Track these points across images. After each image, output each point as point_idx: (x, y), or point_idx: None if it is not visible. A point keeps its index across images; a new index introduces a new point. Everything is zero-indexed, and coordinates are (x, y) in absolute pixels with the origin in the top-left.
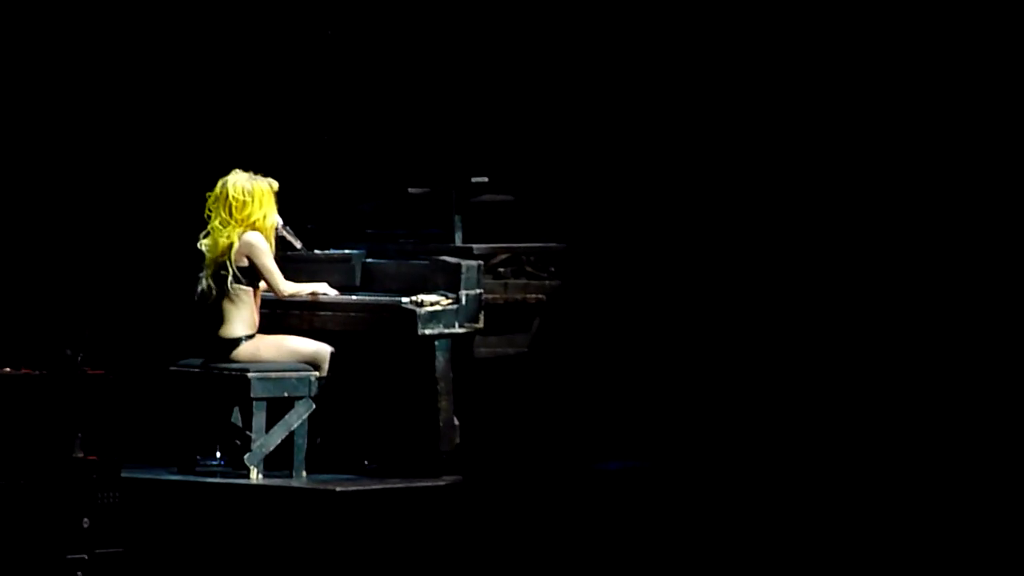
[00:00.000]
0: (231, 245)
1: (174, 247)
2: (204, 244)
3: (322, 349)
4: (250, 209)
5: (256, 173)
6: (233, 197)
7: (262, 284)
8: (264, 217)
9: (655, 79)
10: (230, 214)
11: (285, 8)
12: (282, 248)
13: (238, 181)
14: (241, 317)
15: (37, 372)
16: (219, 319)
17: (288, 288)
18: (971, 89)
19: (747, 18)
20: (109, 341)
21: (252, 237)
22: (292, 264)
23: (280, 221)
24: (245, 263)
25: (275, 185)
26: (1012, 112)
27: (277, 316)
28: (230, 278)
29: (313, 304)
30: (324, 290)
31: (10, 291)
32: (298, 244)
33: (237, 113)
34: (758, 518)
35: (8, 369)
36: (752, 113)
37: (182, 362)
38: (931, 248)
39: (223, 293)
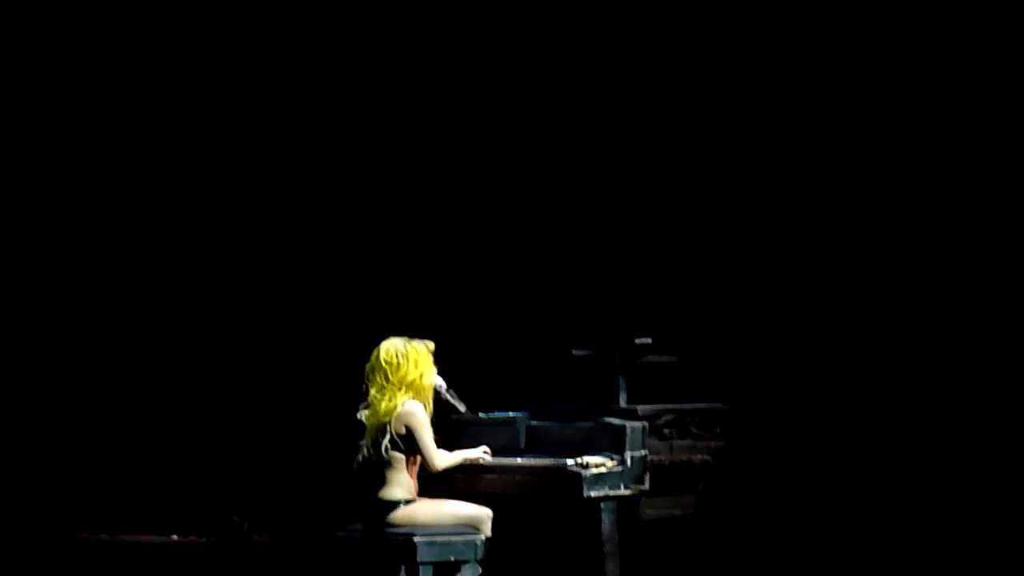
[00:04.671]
0: (392, 409)
1: (335, 416)
2: (364, 414)
3: (479, 512)
4: (405, 369)
5: (412, 338)
6: (386, 361)
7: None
8: (421, 376)
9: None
10: (386, 378)
11: (441, 173)
12: (446, 411)
13: (391, 345)
14: (399, 481)
15: (204, 539)
16: (379, 483)
17: (441, 464)
18: None
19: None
20: (275, 507)
21: (413, 407)
22: (456, 427)
23: (444, 384)
24: (404, 431)
25: (431, 346)
26: None
27: (443, 478)
28: (386, 443)
29: (478, 467)
30: (478, 455)
31: (178, 459)
32: (462, 407)
33: (398, 281)
34: None
35: (176, 536)
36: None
37: (348, 527)
38: None
39: (382, 459)
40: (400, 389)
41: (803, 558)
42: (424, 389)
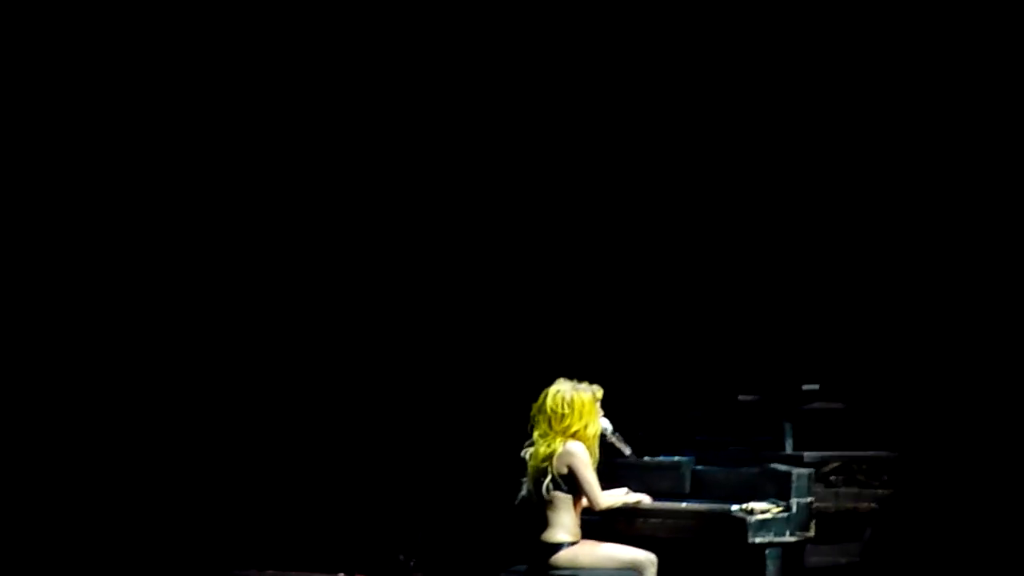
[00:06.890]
0: (552, 453)
1: (499, 456)
2: (527, 453)
3: (643, 556)
4: (569, 420)
5: (582, 381)
6: (552, 409)
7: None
8: (585, 427)
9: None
10: (550, 425)
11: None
12: (612, 455)
13: (560, 392)
14: (562, 523)
15: None
16: (542, 525)
17: (605, 501)
18: None
19: None
20: (440, 546)
21: (574, 447)
22: (621, 471)
23: (610, 427)
24: (565, 471)
25: (599, 393)
26: None
27: (606, 521)
28: (548, 483)
29: (642, 511)
30: (640, 498)
31: (345, 497)
32: (627, 451)
33: (567, 323)
34: None
35: (342, 574)
36: None
37: (511, 568)
38: None
39: (544, 500)
40: (561, 436)
41: None
42: (587, 439)
